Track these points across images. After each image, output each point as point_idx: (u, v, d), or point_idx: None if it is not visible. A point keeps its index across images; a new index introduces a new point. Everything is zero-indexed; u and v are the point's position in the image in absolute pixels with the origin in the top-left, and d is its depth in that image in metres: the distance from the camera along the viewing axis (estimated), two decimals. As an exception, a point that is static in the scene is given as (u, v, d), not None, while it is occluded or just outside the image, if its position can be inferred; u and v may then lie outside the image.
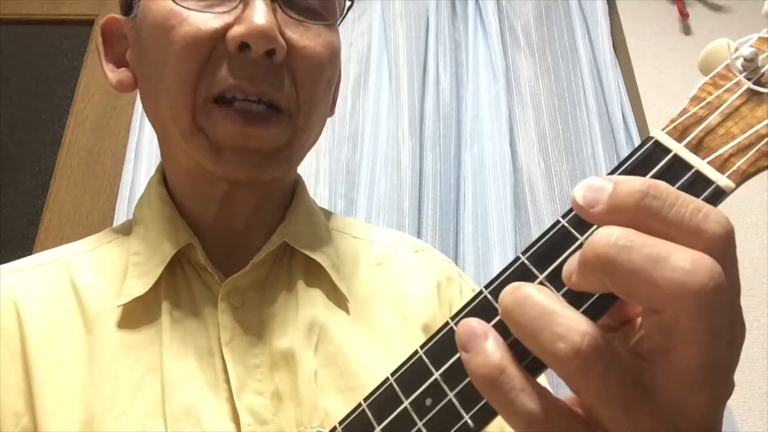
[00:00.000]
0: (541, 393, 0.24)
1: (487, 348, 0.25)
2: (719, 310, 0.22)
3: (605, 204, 0.24)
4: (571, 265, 0.25)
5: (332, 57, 0.50)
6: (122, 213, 1.24)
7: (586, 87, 1.35)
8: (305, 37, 0.48)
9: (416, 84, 1.32)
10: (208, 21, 0.45)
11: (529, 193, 1.27)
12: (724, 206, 0.25)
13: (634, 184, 0.24)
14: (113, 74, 0.53)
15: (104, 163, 1.35)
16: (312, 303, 0.50)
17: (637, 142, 1.31)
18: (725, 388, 0.25)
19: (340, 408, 0.45)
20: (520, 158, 1.30)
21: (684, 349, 0.23)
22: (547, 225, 0.27)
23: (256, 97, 0.46)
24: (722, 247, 0.23)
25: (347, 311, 0.51)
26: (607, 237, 0.23)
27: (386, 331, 0.51)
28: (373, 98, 1.36)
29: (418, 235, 1.18)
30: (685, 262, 0.22)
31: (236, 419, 0.43)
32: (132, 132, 1.34)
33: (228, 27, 0.45)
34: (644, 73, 1.39)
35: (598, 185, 0.25)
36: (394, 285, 0.55)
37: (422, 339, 0.51)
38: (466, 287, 0.59)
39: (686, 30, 1.44)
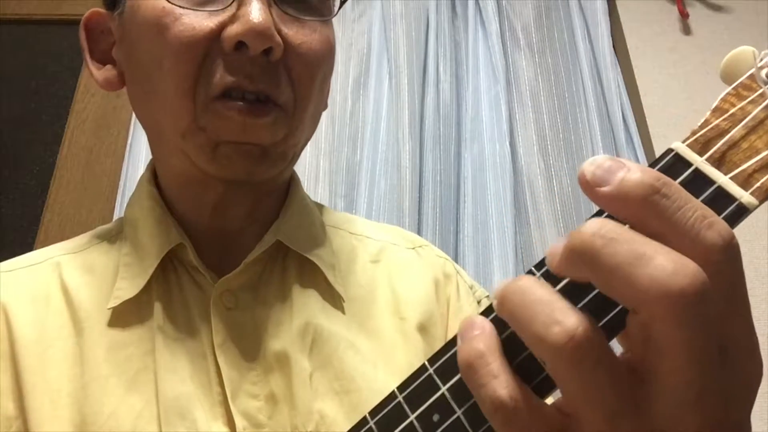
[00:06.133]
0: (516, 385, 0.24)
1: (475, 335, 0.26)
2: (700, 322, 0.21)
3: (612, 187, 0.23)
4: (556, 248, 0.25)
5: (328, 53, 0.50)
6: (122, 213, 1.24)
7: (586, 87, 1.35)
8: (301, 33, 0.47)
9: (416, 84, 1.32)
10: (203, 20, 0.44)
11: (529, 193, 1.27)
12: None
13: (647, 177, 0.23)
14: (99, 72, 0.52)
15: (104, 163, 1.35)
16: (306, 303, 0.49)
17: (637, 142, 1.31)
18: (720, 419, 0.23)
19: (335, 411, 0.44)
20: (520, 158, 1.30)
21: (667, 363, 0.22)
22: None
23: (254, 95, 0.45)
24: (717, 259, 0.22)
25: (343, 311, 0.50)
26: (595, 227, 0.22)
27: (382, 332, 0.50)
28: (373, 98, 1.36)
29: (418, 235, 1.18)
30: (668, 263, 0.21)
31: (230, 422, 0.43)
32: (132, 132, 1.34)
33: (223, 26, 0.44)
34: (644, 73, 1.39)
35: (609, 166, 0.23)
36: (390, 283, 0.54)
37: (418, 339, 0.51)
38: (464, 284, 0.58)
39: (686, 30, 1.44)
